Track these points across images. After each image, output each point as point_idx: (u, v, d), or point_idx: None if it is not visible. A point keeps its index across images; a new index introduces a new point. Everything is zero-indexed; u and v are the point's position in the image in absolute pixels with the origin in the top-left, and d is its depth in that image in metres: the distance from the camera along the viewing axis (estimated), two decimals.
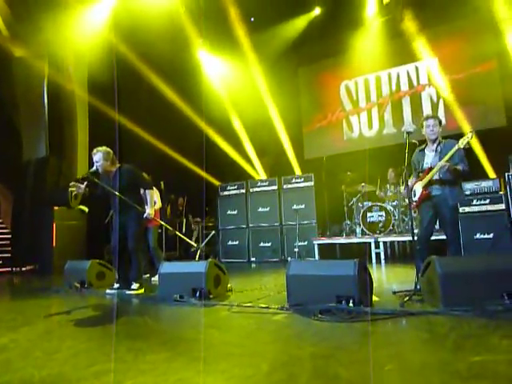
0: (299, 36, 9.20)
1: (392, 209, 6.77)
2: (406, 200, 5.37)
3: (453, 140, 3.54)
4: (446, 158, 3.40)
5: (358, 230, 7.00)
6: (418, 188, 3.68)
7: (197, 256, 6.83)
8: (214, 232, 8.30)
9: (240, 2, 8.13)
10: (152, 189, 4.36)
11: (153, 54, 7.94)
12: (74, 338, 2.42)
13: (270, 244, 7.79)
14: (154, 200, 4.38)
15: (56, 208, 7.15)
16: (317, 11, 9.01)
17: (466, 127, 7.53)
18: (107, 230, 6.80)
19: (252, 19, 8.98)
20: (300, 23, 9.11)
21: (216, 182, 8.99)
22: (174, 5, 7.97)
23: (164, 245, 7.19)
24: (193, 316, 2.95)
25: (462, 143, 3.37)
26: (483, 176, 6.61)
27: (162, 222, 5.16)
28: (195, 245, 6.13)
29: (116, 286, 4.16)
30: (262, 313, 2.85)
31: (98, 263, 4.72)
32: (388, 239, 6.69)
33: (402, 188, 6.43)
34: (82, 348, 2.15)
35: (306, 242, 7.33)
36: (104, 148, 4.08)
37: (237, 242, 8.12)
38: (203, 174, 8.89)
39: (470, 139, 3.38)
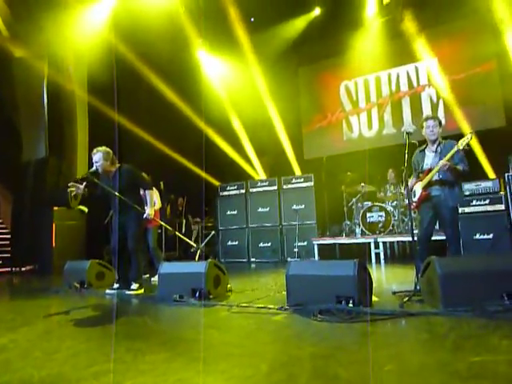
0: (299, 36, 9.21)
1: (392, 209, 6.77)
2: (406, 200, 5.37)
3: (453, 141, 3.54)
4: (446, 158, 3.40)
5: (358, 230, 7.00)
6: (418, 189, 3.69)
7: (196, 256, 6.83)
8: (213, 232, 8.30)
9: (240, 2, 8.14)
10: (152, 189, 4.36)
11: (152, 54, 7.94)
12: (74, 338, 2.41)
13: (269, 244, 7.79)
14: (153, 200, 4.38)
15: (56, 208, 7.15)
16: (317, 11, 9.01)
17: (466, 127, 7.54)
18: (107, 230, 6.80)
19: (252, 19, 8.98)
20: (300, 23, 9.11)
21: (216, 182, 8.99)
22: (173, 5, 7.97)
23: (164, 245, 7.19)
24: (192, 316, 2.95)
25: (461, 144, 3.37)
26: (483, 176, 6.61)
27: (162, 223, 5.16)
28: (195, 245, 6.13)
29: (116, 286, 4.16)
30: (262, 313, 2.85)
31: (98, 263, 4.72)
32: (388, 239, 6.69)
33: (403, 189, 6.44)
34: (81, 348, 2.15)
35: (305, 243, 7.33)
36: (104, 148, 4.08)
37: (236, 243, 8.12)
38: (203, 174, 8.89)
39: (470, 140, 3.38)
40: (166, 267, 3.85)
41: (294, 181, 7.90)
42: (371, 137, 9.00)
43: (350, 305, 2.64)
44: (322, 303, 2.70)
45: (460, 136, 3.49)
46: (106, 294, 4.08)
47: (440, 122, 3.66)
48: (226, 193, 8.46)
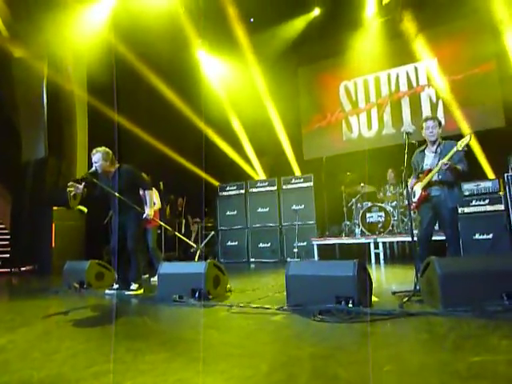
0: (299, 36, 9.21)
1: (391, 209, 6.77)
2: (406, 201, 5.37)
3: (452, 141, 3.54)
4: (446, 158, 3.41)
5: (358, 230, 7.00)
6: (418, 189, 3.69)
7: (196, 256, 6.83)
8: (213, 232, 8.30)
9: (239, 3, 8.14)
10: (151, 189, 4.35)
11: (152, 54, 7.94)
12: (73, 338, 2.41)
13: (269, 244, 7.79)
14: (153, 200, 4.38)
15: (55, 208, 7.14)
16: (316, 12, 9.01)
17: (465, 128, 7.55)
18: (106, 230, 6.79)
19: (251, 19, 8.98)
20: (299, 24, 9.11)
21: (215, 183, 8.99)
22: (173, 5, 7.97)
23: (163, 245, 7.18)
24: (192, 316, 2.94)
25: (460, 145, 3.38)
26: (482, 177, 6.62)
27: (162, 223, 5.16)
28: (194, 245, 6.13)
29: (115, 286, 4.15)
30: (262, 313, 2.84)
31: (97, 263, 4.71)
32: (387, 240, 6.69)
33: (403, 189, 6.44)
34: (80, 348, 2.15)
35: (305, 243, 7.33)
36: (103, 148, 4.08)
37: (236, 243, 8.12)
38: (202, 174, 8.89)
39: (469, 141, 3.38)
40: (166, 267, 3.85)
41: (293, 181, 7.90)
42: (371, 137, 9.00)
43: (350, 305, 2.64)
44: (321, 303, 2.70)
45: (459, 136, 3.49)
46: (105, 295, 4.07)
47: (440, 123, 3.66)
48: (225, 193, 8.46)
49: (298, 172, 9.19)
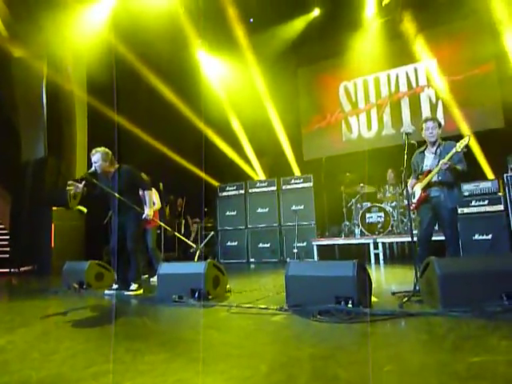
0: (298, 37, 9.21)
1: (391, 210, 6.77)
2: (405, 201, 5.38)
3: (452, 142, 3.55)
4: (446, 159, 3.41)
5: (357, 230, 7.00)
6: (418, 190, 3.69)
7: (196, 257, 6.82)
8: (212, 232, 8.30)
9: (239, 3, 8.14)
10: (151, 189, 4.35)
11: (152, 54, 7.94)
12: (72, 338, 2.41)
13: (268, 245, 7.79)
14: (152, 201, 4.38)
15: (55, 208, 7.14)
16: (316, 12, 9.02)
17: (465, 128, 7.55)
18: (106, 230, 6.79)
19: (251, 20, 8.99)
20: (299, 24, 9.12)
21: (215, 183, 8.99)
22: (173, 5, 7.97)
23: (163, 246, 7.17)
24: (192, 317, 2.94)
25: (459, 147, 3.40)
26: (482, 177, 6.62)
27: (161, 223, 5.16)
28: (194, 245, 6.13)
29: (115, 286, 4.15)
30: (261, 314, 2.84)
31: (97, 264, 4.71)
32: (387, 240, 6.69)
33: (402, 189, 6.45)
34: (80, 349, 2.15)
35: (304, 243, 7.33)
36: (103, 149, 4.07)
37: (236, 243, 8.12)
38: (202, 174, 8.88)
39: (468, 142, 3.39)
40: (165, 268, 3.84)
41: (293, 181, 7.90)
42: (370, 137, 9.01)
43: (350, 305, 2.64)
44: (321, 304, 2.70)
45: (459, 137, 3.50)
46: (104, 295, 4.07)
47: (439, 124, 3.67)
48: (225, 193, 8.46)
49: (297, 172, 9.20)
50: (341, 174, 7.60)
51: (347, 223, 7.38)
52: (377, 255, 6.45)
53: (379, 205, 6.87)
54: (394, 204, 6.87)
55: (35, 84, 7.70)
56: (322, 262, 4.45)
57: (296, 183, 7.84)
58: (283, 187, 7.92)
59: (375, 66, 8.86)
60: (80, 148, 7.91)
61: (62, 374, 1.75)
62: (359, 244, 6.90)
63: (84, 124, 8.15)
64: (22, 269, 7.25)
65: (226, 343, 2.18)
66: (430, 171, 3.58)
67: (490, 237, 5.64)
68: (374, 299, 3.04)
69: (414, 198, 3.73)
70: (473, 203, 5.82)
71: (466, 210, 5.80)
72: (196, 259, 6.69)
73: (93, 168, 4.06)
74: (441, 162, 3.42)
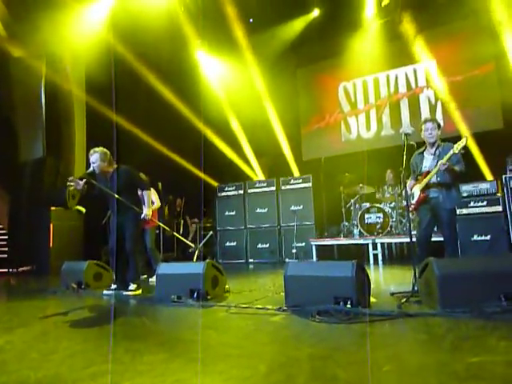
0: (298, 37, 9.22)
1: (390, 210, 6.78)
2: (404, 202, 5.38)
3: (451, 143, 3.56)
4: (444, 160, 3.42)
5: (356, 231, 7.01)
6: (416, 191, 3.70)
7: (194, 257, 6.82)
8: (211, 232, 8.29)
9: (239, 3, 8.14)
10: (149, 189, 4.35)
11: (151, 54, 7.93)
12: (71, 339, 2.40)
13: (267, 245, 7.78)
14: (151, 200, 4.38)
15: (53, 208, 7.12)
16: (315, 13, 9.02)
17: (464, 129, 7.57)
18: (104, 230, 6.77)
19: (251, 20, 8.99)
20: (299, 24, 9.12)
21: (214, 183, 8.98)
22: (172, 5, 7.97)
23: (162, 246, 7.17)
24: (190, 317, 2.94)
25: (456, 148, 3.41)
26: (481, 178, 6.64)
27: (160, 223, 5.16)
28: (193, 245, 6.13)
29: (113, 286, 4.14)
30: (260, 314, 2.84)
31: (96, 264, 4.70)
32: (386, 240, 6.69)
33: (401, 190, 6.45)
34: (78, 349, 2.14)
35: (303, 243, 7.32)
36: (101, 149, 4.07)
37: (235, 243, 8.11)
38: (201, 174, 8.88)
39: (465, 144, 3.41)
40: (164, 268, 3.84)
41: (292, 182, 7.90)
42: (369, 138, 9.01)
43: (348, 306, 2.64)
44: (320, 304, 2.70)
45: (458, 138, 3.51)
46: (103, 295, 4.06)
47: (439, 125, 3.68)
48: (224, 193, 8.46)
49: (296, 173, 9.20)
50: (340, 175, 7.60)
51: (346, 223, 7.39)
52: (376, 256, 6.45)
53: (378, 205, 6.88)
54: (392, 205, 6.88)
55: (34, 84, 7.68)
56: (321, 263, 4.45)
57: (295, 183, 7.84)
58: (282, 187, 7.93)
59: (374, 67, 8.88)
60: (79, 148, 7.90)
61: (60, 374, 1.75)
62: (358, 244, 6.90)
63: (83, 124, 8.13)
64: (21, 269, 7.23)
65: (224, 343, 2.17)
66: (428, 172, 3.59)
67: (488, 237, 5.65)
68: (372, 300, 3.04)
69: (412, 198, 3.74)
70: (471, 204, 5.83)
71: (464, 211, 5.82)
72: (195, 259, 6.69)
73: (91, 168, 4.05)
74: (439, 163, 3.43)
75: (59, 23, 6.99)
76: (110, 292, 4.07)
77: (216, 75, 9.66)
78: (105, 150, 4.09)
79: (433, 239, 3.76)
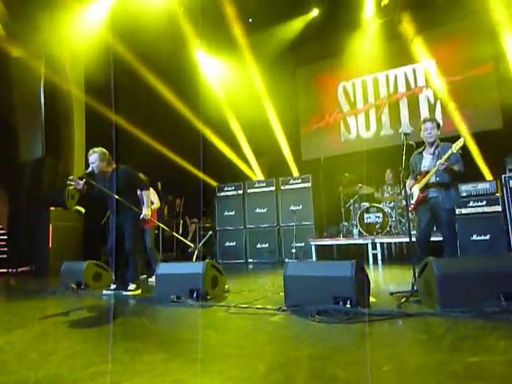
0: (297, 37, 9.21)
1: (389, 210, 6.78)
2: (404, 202, 5.39)
3: (450, 143, 3.56)
4: (442, 160, 3.42)
5: (355, 231, 7.01)
6: (416, 191, 3.70)
7: (194, 257, 6.82)
8: (210, 232, 8.28)
9: (238, 3, 8.14)
10: (148, 189, 4.35)
11: (150, 54, 7.92)
12: (70, 339, 2.40)
13: (267, 245, 7.79)
14: (150, 200, 4.37)
15: (52, 209, 7.11)
16: (315, 12, 9.02)
17: (463, 129, 7.57)
18: (104, 230, 6.77)
19: (250, 20, 8.99)
20: (298, 24, 9.12)
21: (213, 183, 8.98)
22: (171, 5, 7.96)
23: (161, 246, 7.17)
24: (190, 317, 2.94)
25: (455, 148, 3.42)
26: (480, 178, 6.65)
27: (159, 223, 5.15)
28: (192, 245, 6.12)
29: (113, 286, 4.14)
30: (260, 314, 2.84)
31: (95, 264, 4.70)
32: (385, 240, 6.70)
33: (401, 190, 6.46)
34: (77, 349, 2.14)
35: (303, 243, 7.33)
36: (100, 149, 4.06)
37: (234, 243, 8.11)
38: (200, 174, 8.88)
39: (463, 144, 3.42)
40: (164, 268, 3.84)
41: (291, 182, 7.90)
42: (369, 138, 9.02)
43: (348, 305, 2.64)
44: (319, 304, 2.70)
45: (457, 138, 3.51)
46: (102, 295, 4.06)
47: (438, 125, 3.68)
48: (223, 193, 8.45)
49: (296, 173, 9.20)
50: (339, 175, 7.61)
51: (345, 223, 7.39)
52: (375, 255, 6.46)
53: (377, 205, 6.88)
54: (392, 204, 6.88)
55: (33, 84, 7.67)
56: (321, 262, 4.46)
57: (294, 183, 7.84)
58: (282, 187, 7.93)
59: (374, 67, 8.88)
60: (78, 148, 7.89)
61: (60, 375, 1.75)
62: (357, 244, 6.91)
63: (82, 124, 8.12)
64: (20, 269, 7.22)
65: (224, 343, 2.17)
66: (427, 172, 3.59)
67: (487, 237, 5.66)
68: (372, 299, 3.04)
69: (412, 198, 3.74)
70: (471, 204, 5.84)
71: (464, 211, 5.82)
72: (194, 259, 6.69)
73: (90, 168, 4.05)
74: (438, 163, 3.44)
75: (58, 23, 6.99)
76: (110, 292, 4.07)
77: (215, 75, 9.65)
78: (104, 150, 4.08)
79: (432, 239, 3.77)
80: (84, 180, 3.95)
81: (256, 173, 9.73)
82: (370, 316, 2.52)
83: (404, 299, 2.95)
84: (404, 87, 8.74)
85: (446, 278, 2.62)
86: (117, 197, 3.99)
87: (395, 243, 7.27)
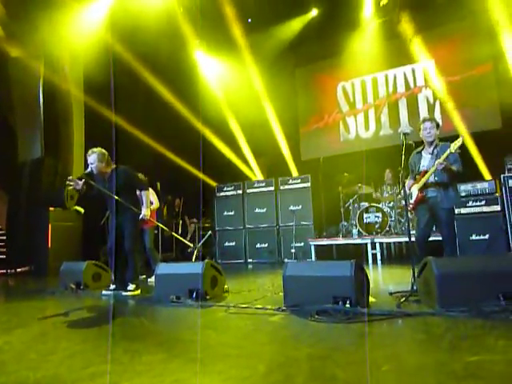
0: (296, 37, 9.22)
1: (388, 210, 6.79)
2: (403, 201, 5.39)
3: (449, 143, 3.57)
4: (440, 160, 3.43)
5: (355, 231, 7.01)
6: (415, 190, 3.71)
7: (193, 257, 6.82)
8: (210, 232, 8.28)
9: (237, 3, 8.14)
10: (147, 189, 4.35)
11: (150, 54, 7.92)
12: (70, 339, 2.40)
13: (266, 245, 7.78)
14: (149, 201, 4.37)
15: (51, 209, 7.10)
16: (314, 12, 9.02)
17: (462, 129, 7.58)
18: (103, 231, 6.76)
19: (249, 20, 8.99)
20: (297, 24, 9.12)
21: (213, 183, 8.98)
22: (171, 5, 7.96)
23: (160, 246, 7.16)
24: (189, 317, 2.94)
25: (453, 148, 3.43)
26: (479, 178, 6.66)
27: (159, 223, 5.15)
28: (192, 245, 6.12)
29: (112, 287, 4.13)
30: (259, 314, 2.84)
31: (94, 264, 4.69)
32: (384, 240, 6.70)
33: (400, 190, 6.47)
34: (77, 349, 2.14)
35: (302, 243, 7.33)
36: (99, 149, 4.06)
37: (233, 243, 8.11)
38: (200, 174, 8.87)
39: (461, 143, 3.42)
40: (163, 268, 3.83)
41: (290, 182, 7.90)
42: (368, 138, 9.02)
43: (347, 305, 2.65)
44: (319, 304, 2.70)
45: (456, 138, 3.51)
46: (102, 295, 4.05)
47: (437, 124, 3.68)
48: (222, 193, 8.45)
49: (295, 173, 9.21)
50: (338, 175, 7.61)
51: (345, 223, 7.39)
52: (374, 255, 6.46)
53: (377, 205, 6.89)
54: (391, 204, 6.89)
55: (32, 84, 7.66)
56: (320, 262, 4.45)
57: (294, 183, 7.84)
58: (281, 187, 7.93)
59: (373, 67, 8.89)
60: (77, 148, 7.88)
61: (59, 375, 1.75)
62: (357, 244, 6.91)
63: (81, 124, 8.11)
64: (19, 270, 7.21)
65: (223, 343, 2.17)
66: (426, 172, 3.60)
67: (487, 237, 5.67)
68: (371, 299, 3.04)
69: (411, 198, 3.74)
70: (470, 204, 5.85)
71: (463, 211, 5.83)
72: (194, 259, 6.69)
73: (89, 169, 4.04)
74: (436, 163, 3.44)
75: (57, 23, 6.98)
76: (109, 292, 4.07)
77: (214, 75, 9.65)
78: (103, 150, 4.08)
79: (431, 238, 3.77)
80: (83, 180, 3.94)
81: (255, 173, 9.74)
82: (369, 316, 2.52)
83: (403, 299, 2.96)
84: (403, 87, 8.75)
85: (446, 278, 2.63)
86: (116, 197, 3.99)
87: (394, 243, 7.28)
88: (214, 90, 9.52)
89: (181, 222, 8.94)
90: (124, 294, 3.98)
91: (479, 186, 5.92)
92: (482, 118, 7.71)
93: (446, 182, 3.54)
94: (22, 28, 7.26)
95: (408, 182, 3.79)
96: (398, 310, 2.68)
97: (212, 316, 2.90)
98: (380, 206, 6.86)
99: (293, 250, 7.20)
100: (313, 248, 7.08)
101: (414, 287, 3.09)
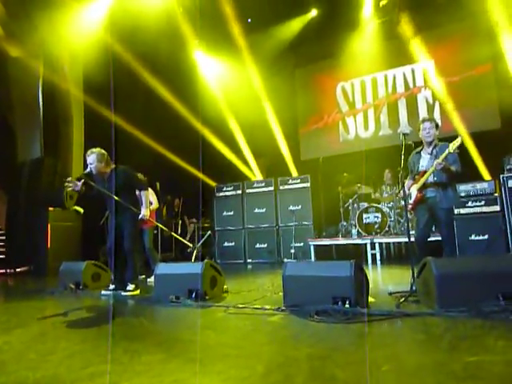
0: (296, 37, 9.22)
1: (388, 210, 6.79)
2: (402, 201, 5.40)
3: (447, 143, 3.57)
4: (439, 160, 3.43)
5: (354, 231, 7.02)
6: (414, 191, 3.71)
7: (193, 257, 6.82)
8: (209, 232, 8.28)
9: (237, 3, 8.14)
10: (147, 189, 4.34)
11: (149, 54, 7.92)
12: (69, 339, 2.40)
13: (266, 245, 7.78)
14: (149, 201, 4.37)
15: (51, 209, 7.09)
16: (313, 13, 9.03)
17: (462, 129, 7.59)
18: (102, 231, 6.76)
19: (249, 20, 8.99)
20: (297, 24, 9.12)
21: (212, 183, 8.97)
22: (170, 5, 7.96)
23: (160, 246, 7.16)
24: (189, 317, 2.94)
25: (452, 148, 3.43)
26: (478, 178, 6.66)
27: (158, 223, 5.15)
28: (191, 245, 6.12)
29: (111, 287, 4.13)
30: (259, 314, 2.84)
31: (94, 264, 4.69)
32: (384, 240, 6.71)
33: (399, 190, 6.47)
34: (76, 349, 2.14)
35: (302, 243, 7.33)
36: (98, 149, 4.05)
37: (233, 243, 8.11)
38: (199, 174, 8.87)
39: (460, 143, 3.42)
40: (162, 268, 3.84)
41: (290, 182, 7.90)
42: (367, 138, 9.03)
43: (347, 305, 2.65)
44: (318, 304, 2.70)
45: (456, 138, 3.51)
46: (101, 295, 4.05)
47: (437, 125, 3.68)
48: (222, 193, 8.45)
49: (294, 173, 9.21)
50: (338, 175, 7.61)
51: (344, 223, 7.39)
52: (374, 255, 6.46)
53: (376, 205, 6.89)
54: (391, 204, 6.89)
55: (31, 84, 7.65)
56: (320, 263, 4.46)
57: (293, 183, 7.84)
58: (280, 187, 7.93)
59: (372, 67, 8.89)
60: (77, 148, 7.87)
61: (58, 375, 1.74)
62: (356, 244, 6.91)
63: (81, 124, 8.11)
64: (18, 269, 7.20)
65: (223, 344, 2.17)
66: (425, 172, 3.60)
67: (486, 237, 5.67)
68: (371, 299, 3.05)
69: (410, 198, 3.75)
70: (469, 204, 5.85)
71: (462, 211, 5.84)
72: (193, 259, 6.68)
73: (88, 169, 4.04)
74: (435, 163, 3.44)
75: (57, 23, 6.98)
76: (109, 292, 4.07)
77: (214, 75, 9.65)
78: (102, 150, 4.08)
79: (431, 239, 3.77)
80: (82, 181, 3.94)
81: (255, 173, 9.74)
82: (368, 316, 2.52)
83: (403, 299, 2.96)
84: (403, 87, 8.75)
85: (445, 278, 2.63)
86: (115, 197, 3.99)
87: (394, 243, 7.28)
88: (213, 90, 9.51)
89: (180, 222, 8.94)
90: (123, 293, 3.98)
91: (479, 186, 5.93)
92: (481, 118, 7.72)
93: (445, 182, 3.55)
94: (22, 27, 7.26)
95: (407, 182, 3.80)
96: (397, 311, 2.68)
97: (211, 316, 2.90)
98: (379, 206, 6.86)
99: (292, 250, 7.20)
100: (312, 248, 7.08)
101: (414, 287, 3.09)
